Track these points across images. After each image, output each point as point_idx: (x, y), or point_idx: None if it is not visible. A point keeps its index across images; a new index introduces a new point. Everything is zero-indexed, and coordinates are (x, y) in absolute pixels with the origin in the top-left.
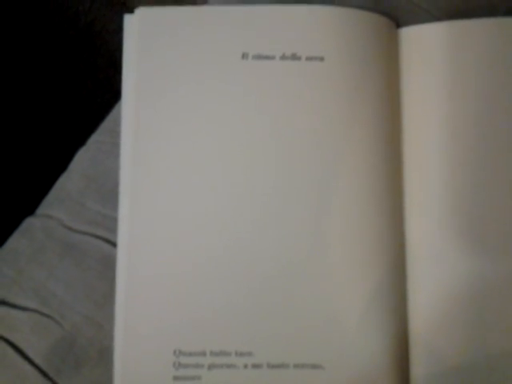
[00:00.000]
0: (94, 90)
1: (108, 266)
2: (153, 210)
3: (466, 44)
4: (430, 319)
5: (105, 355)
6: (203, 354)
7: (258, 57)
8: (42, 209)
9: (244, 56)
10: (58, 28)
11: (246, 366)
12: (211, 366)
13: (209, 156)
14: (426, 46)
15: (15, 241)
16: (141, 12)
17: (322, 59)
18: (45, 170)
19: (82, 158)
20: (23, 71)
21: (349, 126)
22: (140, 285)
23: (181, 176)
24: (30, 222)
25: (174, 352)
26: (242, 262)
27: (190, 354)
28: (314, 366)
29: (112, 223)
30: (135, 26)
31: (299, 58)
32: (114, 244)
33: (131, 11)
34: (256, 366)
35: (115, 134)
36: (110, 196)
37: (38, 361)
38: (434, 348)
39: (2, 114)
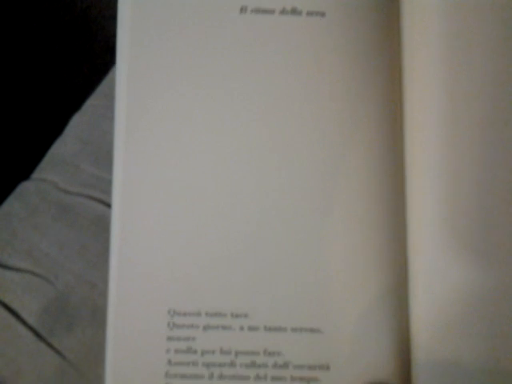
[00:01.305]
0: (90, 75)
1: (102, 226)
2: (147, 169)
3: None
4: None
5: (98, 315)
6: (198, 314)
7: (257, 10)
8: (37, 173)
9: (242, 10)
10: (54, 14)
11: (241, 328)
12: (206, 327)
13: (203, 119)
14: (427, 4)
15: (9, 204)
16: None
17: (323, 15)
18: (40, 136)
19: (77, 122)
20: (19, 57)
21: (350, 86)
22: (134, 244)
23: (175, 139)
24: (24, 186)
25: (169, 312)
26: (240, 220)
27: (185, 315)
28: (313, 330)
29: (107, 185)
30: None
31: (300, 13)
32: (108, 205)
33: None
34: (252, 329)
35: (110, 98)
36: (105, 158)
37: (30, 321)
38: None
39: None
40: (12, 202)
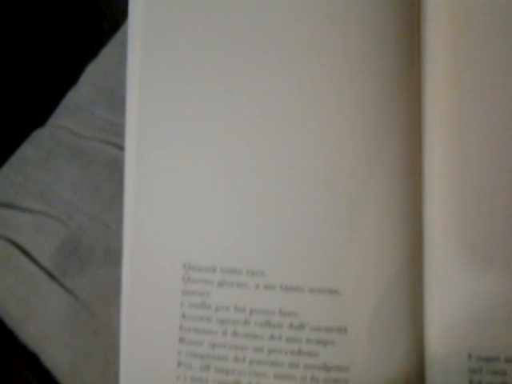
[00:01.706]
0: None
1: (116, 169)
2: (164, 111)
3: None
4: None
5: (110, 255)
6: (213, 269)
7: None
8: (52, 120)
9: None
10: None
11: (257, 286)
12: (221, 283)
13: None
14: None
15: (23, 150)
16: None
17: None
18: (56, 85)
19: (91, 70)
20: (27, 35)
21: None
22: (150, 194)
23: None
24: (38, 133)
25: (184, 266)
26: (259, 176)
27: (200, 269)
28: (331, 292)
29: (121, 129)
30: None
31: None
32: (122, 148)
33: None
34: (268, 287)
35: (126, 46)
36: (120, 104)
37: (43, 262)
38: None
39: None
40: (26, 147)
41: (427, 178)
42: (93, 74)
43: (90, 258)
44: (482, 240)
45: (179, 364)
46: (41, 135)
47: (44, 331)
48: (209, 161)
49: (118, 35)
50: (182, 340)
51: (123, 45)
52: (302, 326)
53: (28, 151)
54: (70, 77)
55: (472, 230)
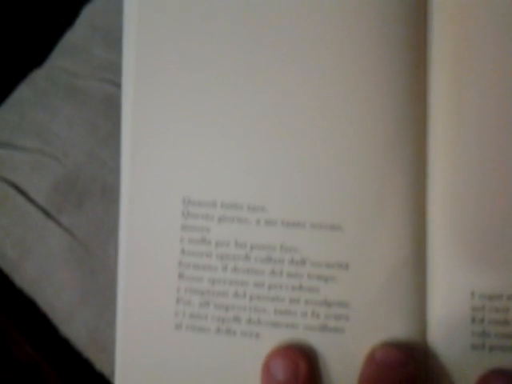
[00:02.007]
0: None
1: (112, 106)
2: (162, 46)
3: None
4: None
5: (107, 192)
6: (213, 204)
7: None
8: (48, 61)
9: None
10: None
11: (258, 222)
12: (221, 219)
13: None
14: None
15: (19, 91)
16: None
17: None
18: (54, 27)
19: (89, 11)
20: None
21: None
22: (148, 127)
23: None
24: (35, 74)
25: (183, 200)
26: (261, 108)
27: (200, 204)
28: (333, 227)
29: (118, 68)
30: None
31: None
32: (119, 85)
33: None
34: (269, 223)
35: None
36: (118, 43)
37: (39, 200)
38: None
39: None
40: (22, 88)
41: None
42: (90, 14)
43: (87, 196)
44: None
45: (178, 300)
46: (37, 76)
47: (40, 271)
48: (209, 93)
49: None
50: (181, 276)
51: None
52: (303, 262)
53: (24, 92)
54: (67, 18)
55: None
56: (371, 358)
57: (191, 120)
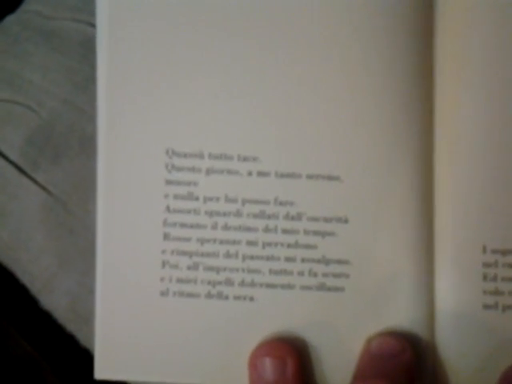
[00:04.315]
0: None
1: (91, 49)
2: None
3: None
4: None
5: (86, 144)
6: (200, 156)
7: None
8: (21, 6)
9: None
10: None
11: (250, 174)
12: (209, 171)
13: None
14: None
15: None
16: None
17: None
18: None
19: None
20: None
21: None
22: (126, 71)
23: None
24: (6, 20)
25: (167, 152)
26: (251, 54)
27: (185, 156)
28: (331, 178)
29: (95, 8)
30: None
31: None
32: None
33: None
34: (262, 174)
35: None
36: None
37: (12, 155)
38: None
39: None
40: None
41: None
42: None
43: (64, 148)
44: None
45: (164, 264)
46: (8, 22)
47: (15, 235)
48: (195, 37)
49: None
50: (166, 236)
51: None
52: (299, 216)
53: None
54: None
55: None
56: (367, 349)
57: (174, 61)
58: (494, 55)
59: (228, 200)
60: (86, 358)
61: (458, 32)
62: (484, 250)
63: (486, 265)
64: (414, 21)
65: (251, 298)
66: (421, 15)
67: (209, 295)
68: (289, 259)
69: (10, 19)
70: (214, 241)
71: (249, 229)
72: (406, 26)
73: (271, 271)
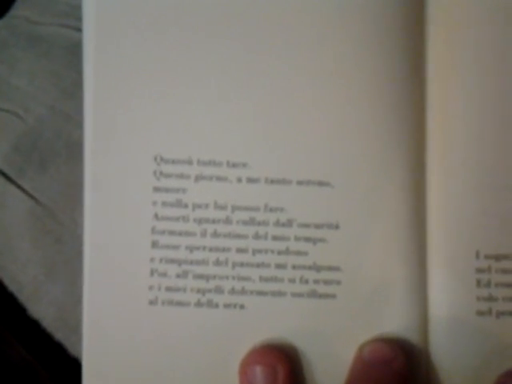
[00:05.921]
0: None
1: (77, 55)
2: None
3: None
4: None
5: (73, 150)
6: (189, 162)
7: None
8: (9, 12)
9: None
10: None
11: (239, 180)
12: (198, 178)
13: None
14: None
15: None
16: None
17: None
18: None
19: None
20: None
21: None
22: (113, 77)
23: None
24: None
25: (155, 158)
26: (241, 59)
27: (174, 162)
28: (321, 184)
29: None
30: None
31: None
32: None
33: None
34: (251, 180)
35: None
36: None
37: None
38: None
39: None
40: None
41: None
42: None
43: (51, 154)
44: None
45: (152, 272)
46: None
47: (3, 244)
48: (183, 42)
49: None
50: (154, 244)
51: None
52: (289, 223)
53: None
54: None
55: None
56: (359, 356)
57: (161, 67)
58: (486, 55)
59: (217, 207)
60: (74, 366)
61: (451, 32)
62: (477, 255)
63: (480, 270)
64: (405, 23)
65: (241, 306)
66: (412, 18)
67: (198, 304)
68: (279, 266)
69: None
70: (204, 248)
71: (238, 236)
72: (397, 28)
73: (261, 278)
